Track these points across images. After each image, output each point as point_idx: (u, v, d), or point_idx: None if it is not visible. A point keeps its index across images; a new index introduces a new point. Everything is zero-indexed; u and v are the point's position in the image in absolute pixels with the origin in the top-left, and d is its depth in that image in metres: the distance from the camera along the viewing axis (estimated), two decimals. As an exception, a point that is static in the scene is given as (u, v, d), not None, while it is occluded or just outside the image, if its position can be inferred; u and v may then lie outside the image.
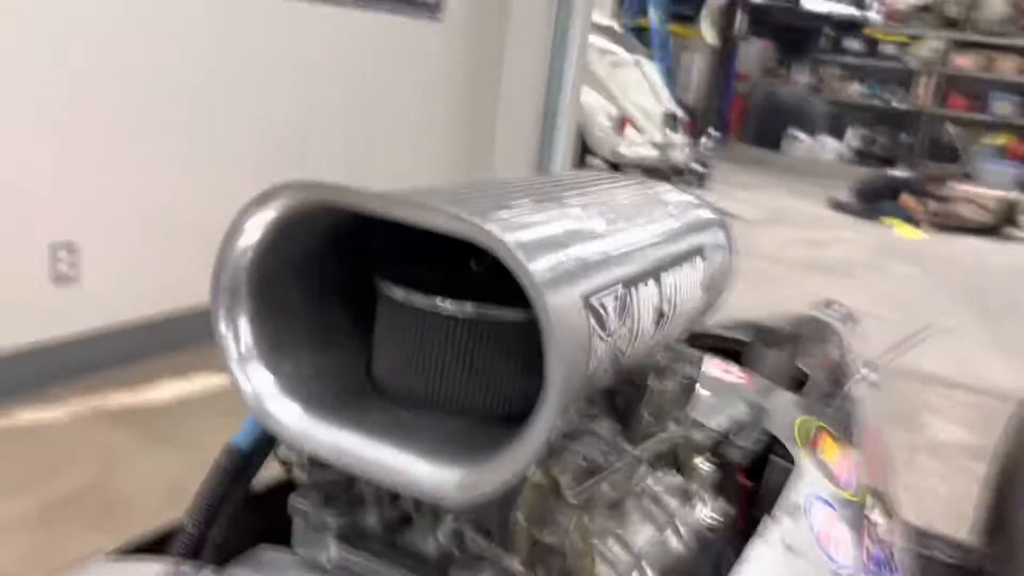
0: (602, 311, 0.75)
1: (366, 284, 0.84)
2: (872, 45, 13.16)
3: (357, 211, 0.72)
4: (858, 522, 1.45)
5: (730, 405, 1.45)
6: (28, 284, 3.17)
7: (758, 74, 13.61)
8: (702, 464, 1.25)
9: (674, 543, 1.14)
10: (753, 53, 13.29)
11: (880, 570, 1.41)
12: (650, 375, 1.06)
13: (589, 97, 7.43)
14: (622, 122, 8.19)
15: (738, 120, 13.26)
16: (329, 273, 0.84)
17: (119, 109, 3.30)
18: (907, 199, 9.18)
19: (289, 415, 0.78)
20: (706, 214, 1.10)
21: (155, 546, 0.96)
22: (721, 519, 1.23)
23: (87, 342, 3.32)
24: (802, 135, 12.71)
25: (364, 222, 0.77)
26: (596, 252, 0.78)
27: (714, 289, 1.07)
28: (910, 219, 9.05)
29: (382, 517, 0.85)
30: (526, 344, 0.81)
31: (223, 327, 0.78)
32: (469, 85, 5.08)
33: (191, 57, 3.52)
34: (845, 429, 1.80)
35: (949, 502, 3.60)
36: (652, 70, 8.99)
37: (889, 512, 1.70)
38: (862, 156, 12.59)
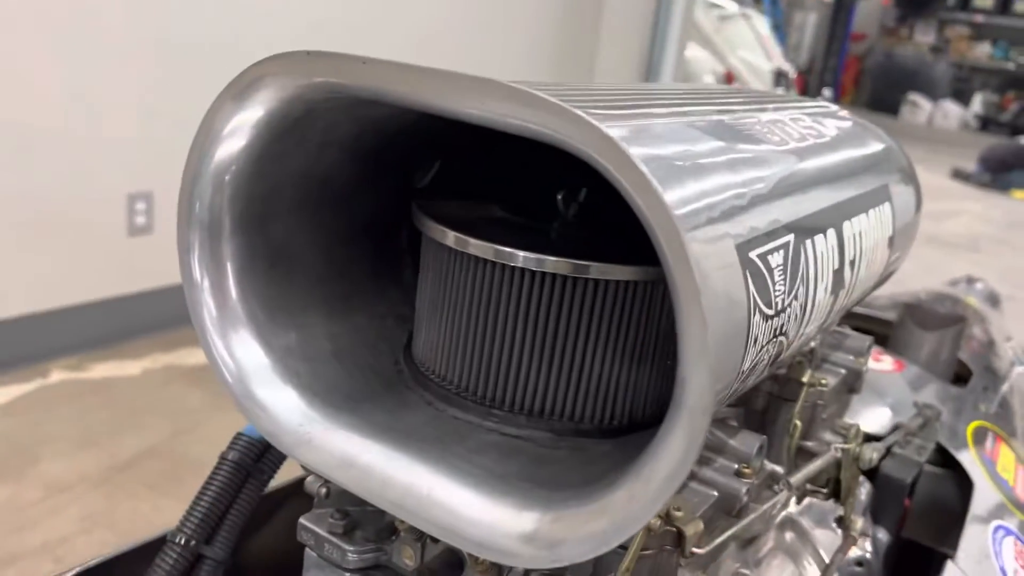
0: (766, 273, 0.47)
1: (406, 224, 0.58)
2: (1004, 2, 12.10)
3: (386, 101, 0.45)
4: (1050, 557, 1.13)
5: (888, 404, 1.15)
6: (105, 236, 3.07)
7: (876, 34, 12.75)
8: (860, 483, 0.95)
9: (822, 589, 0.86)
10: (871, 10, 12.45)
11: (1077, 623, 1.08)
12: (804, 368, 0.77)
13: (694, 52, 7.00)
14: (728, 78, 7.70)
15: (852, 83, 12.47)
16: (351, 205, 0.58)
17: (199, 62, 3.14)
18: (1042, 170, 8.40)
19: (284, 408, 0.52)
20: (886, 145, 0.80)
21: (137, 560, 0.74)
22: (871, 553, 0.94)
23: (163, 297, 3.21)
24: (923, 100, 11.84)
25: (401, 127, 0.50)
26: (756, 183, 0.50)
27: (900, 247, 0.77)
28: (1045, 192, 8.29)
29: (421, 557, 0.59)
30: (641, 320, 0.54)
31: (196, 273, 0.53)
32: (567, 41, 4.76)
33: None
34: (1014, 432, 1.46)
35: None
36: (762, 24, 8.43)
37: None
38: (988, 124, 11.67)
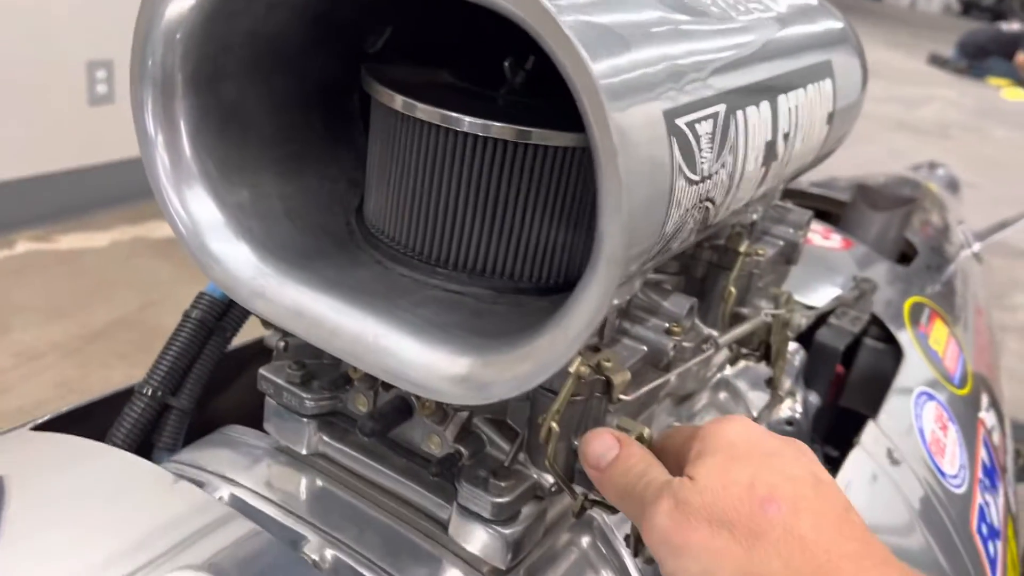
0: (693, 140, 0.50)
1: (358, 88, 0.60)
2: None
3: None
4: (971, 425, 1.22)
5: (832, 279, 1.20)
6: (66, 105, 3.00)
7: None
8: (794, 351, 1.01)
9: (752, 445, 0.93)
10: None
11: (992, 484, 1.18)
12: (743, 239, 0.81)
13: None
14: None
15: (837, -37, 12.15)
16: (303, 68, 0.60)
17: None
18: (1021, 57, 8.35)
19: (238, 261, 0.56)
20: (836, 22, 0.81)
21: (105, 411, 0.78)
22: (801, 413, 1.01)
23: (129, 168, 3.17)
24: (906, -18, 11.63)
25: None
26: (692, 54, 0.52)
27: (840, 125, 0.80)
28: (1021, 81, 8.26)
29: (374, 403, 0.64)
30: (579, 185, 0.57)
31: (150, 130, 0.55)
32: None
33: None
34: (960, 310, 1.54)
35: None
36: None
37: (998, 408, 1.46)
38: (971, 8, 11.50)
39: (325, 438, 0.67)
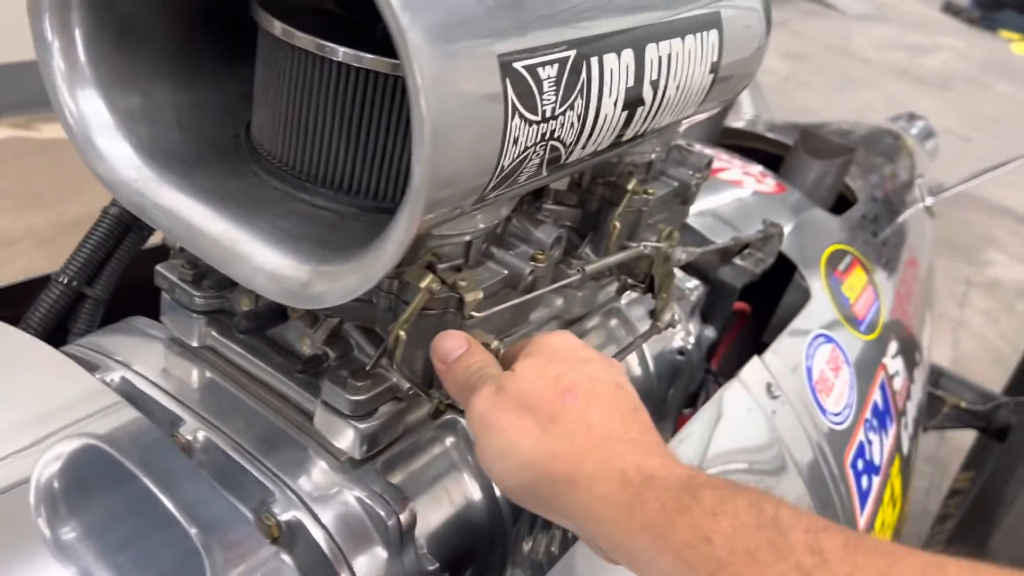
0: (531, 82, 0.55)
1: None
2: None
3: None
4: (869, 369, 1.29)
5: (752, 222, 1.25)
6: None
7: None
8: (689, 284, 1.07)
9: (636, 368, 0.99)
10: None
11: (881, 423, 1.26)
12: (631, 177, 0.86)
13: None
14: None
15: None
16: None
17: None
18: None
19: (121, 161, 0.61)
20: (740, -25, 0.84)
21: (24, 296, 0.84)
22: (693, 345, 1.07)
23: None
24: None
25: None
26: (533, 2, 0.56)
27: (731, 76, 0.83)
28: (1033, 35, 8.15)
29: (255, 303, 0.70)
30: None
31: (47, 35, 0.59)
32: None
33: None
34: (890, 260, 1.60)
35: (992, 345, 3.41)
36: None
37: (910, 355, 1.53)
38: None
39: (214, 333, 0.73)
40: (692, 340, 1.07)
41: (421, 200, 0.47)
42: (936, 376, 2.19)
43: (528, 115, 0.55)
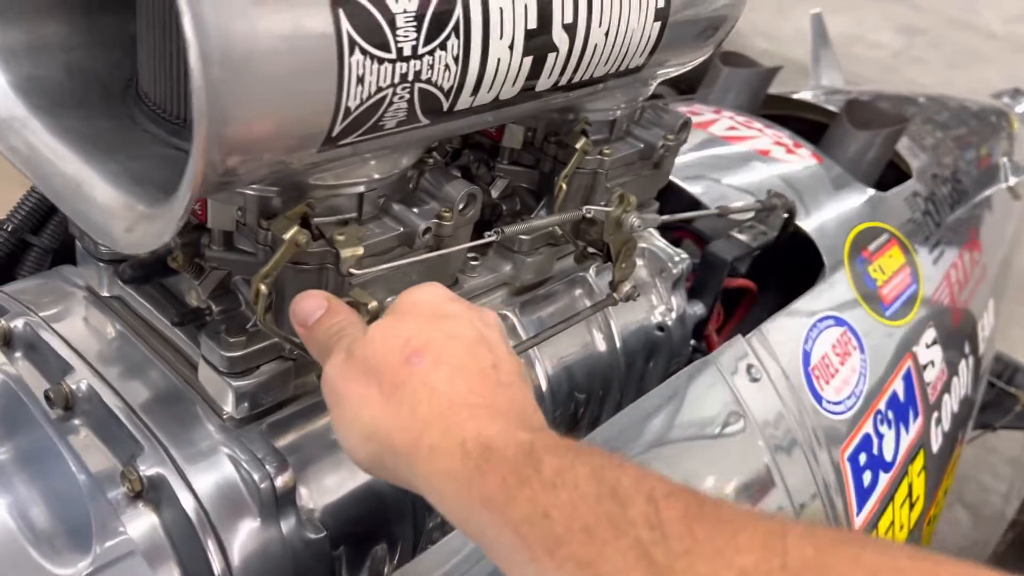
0: (380, 16, 0.50)
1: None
2: None
3: None
4: (892, 356, 1.18)
5: (760, 191, 1.16)
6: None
7: None
8: (675, 257, 1.00)
9: (600, 343, 0.94)
10: None
11: (900, 416, 1.15)
12: (580, 135, 0.80)
13: None
14: None
15: None
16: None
17: None
18: None
19: (-8, 98, 0.59)
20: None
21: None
22: (675, 321, 1.00)
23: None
24: None
25: None
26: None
27: (694, 25, 0.76)
28: None
29: (152, 254, 0.68)
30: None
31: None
32: None
33: None
34: (944, 241, 1.47)
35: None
36: None
37: (957, 346, 1.41)
38: None
39: (120, 283, 0.72)
40: (674, 316, 1.00)
41: (202, 135, 0.43)
42: (1010, 372, 2.02)
43: (375, 51, 0.51)
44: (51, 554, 0.65)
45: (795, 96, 1.76)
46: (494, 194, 0.86)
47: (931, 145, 1.77)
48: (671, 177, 1.19)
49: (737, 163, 1.30)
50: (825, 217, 1.25)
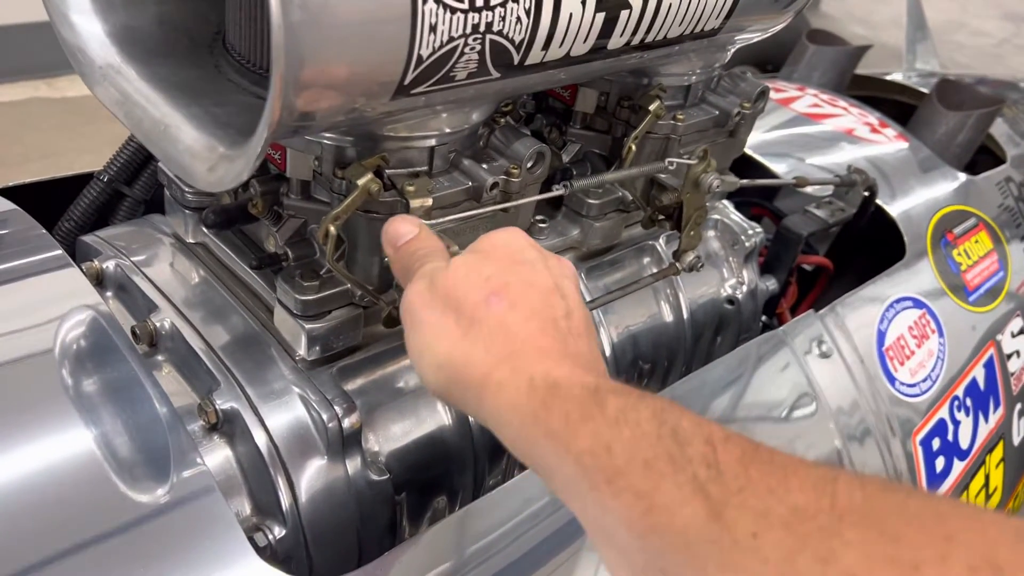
0: (453, -35, 0.51)
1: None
2: None
3: None
4: (974, 343, 1.15)
5: (840, 169, 1.13)
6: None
7: None
8: (748, 230, 0.99)
9: (666, 313, 0.94)
10: None
11: (980, 404, 1.12)
12: (653, 98, 0.79)
13: None
14: None
15: None
16: None
17: None
18: None
19: (91, 38, 0.62)
20: None
21: (66, 188, 0.90)
22: (744, 295, 1.00)
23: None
24: None
25: None
26: None
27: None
28: None
29: (235, 199, 0.71)
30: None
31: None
32: None
33: None
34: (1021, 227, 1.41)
35: None
36: None
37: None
38: None
39: (204, 230, 0.75)
40: (745, 289, 0.99)
41: (279, 75, 0.46)
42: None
43: (448, 1, 0.52)
44: (131, 482, 0.69)
45: (886, 77, 1.71)
46: (565, 158, 0.87)
47: None
48: (752, 153, 1.19)
49: (820, 142, 1.27)
50: (909, 198, 1.22)
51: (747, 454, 0.42)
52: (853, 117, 1.34)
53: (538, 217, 0.85)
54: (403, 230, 0.59)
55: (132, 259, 0.75)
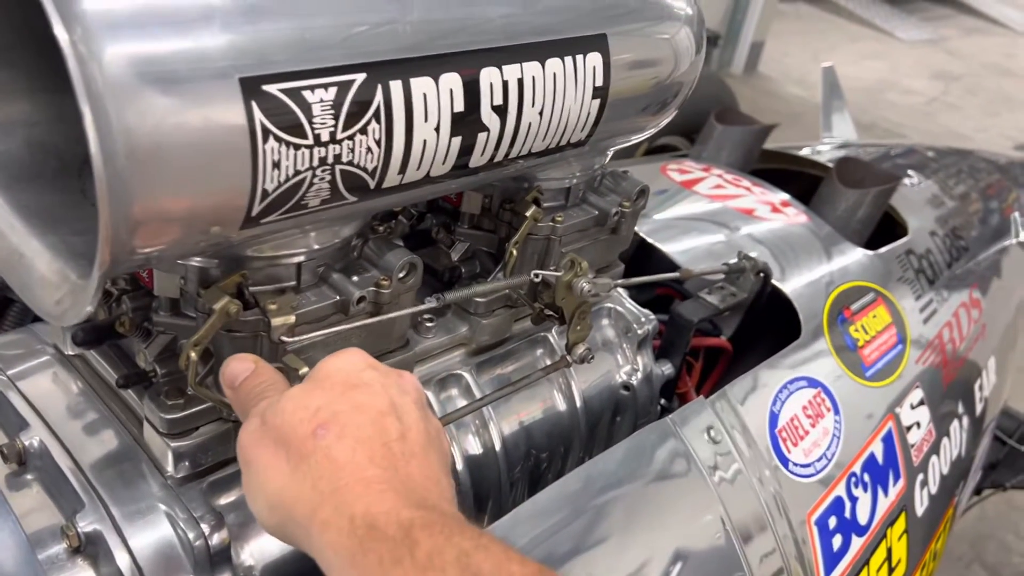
0: (295, 106, 0.53)
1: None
2: None
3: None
4: (870, 418, 1.18)
5: (732, 248, 1.17)
6: None
7: None
8: (641, 317, 1.02)
9: (560, 403, 0.95)
10: None
11: (879, 479, 1.15)
12: (529, 203, 0.82)
13: None
14: None
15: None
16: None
17: None
18: None
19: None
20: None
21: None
22: (640, 381, 1.02)
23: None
24: None
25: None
26: (316, 19, 0.55)
27: (639, 101, 0.78)
28: None
29: (109, 314, 0.71)
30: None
31: None
32: None
33: None
34: (938, 300, 1.46)
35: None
36: None
37: (950, 407, 1.39)
38: None
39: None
40: (640, 375, 1.01)
41: (106, 219, 0.47)
42: (1023, 430, 1.97)
43: (290, 138, 0.54)
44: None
45: (795, 152, 1.77)
46: (454, 257, 0.89)
47: (960, 194, 1.77)
48: (648, 238, 1.22)
49: (718, 223, 1.32)
50: (806, 276, 1.26)
51: None
52: (755, 196, 1.39)
53: (426, 316, 0.86)
54: (239, 369, 0.60)
55: (8, 373, 0.75)
